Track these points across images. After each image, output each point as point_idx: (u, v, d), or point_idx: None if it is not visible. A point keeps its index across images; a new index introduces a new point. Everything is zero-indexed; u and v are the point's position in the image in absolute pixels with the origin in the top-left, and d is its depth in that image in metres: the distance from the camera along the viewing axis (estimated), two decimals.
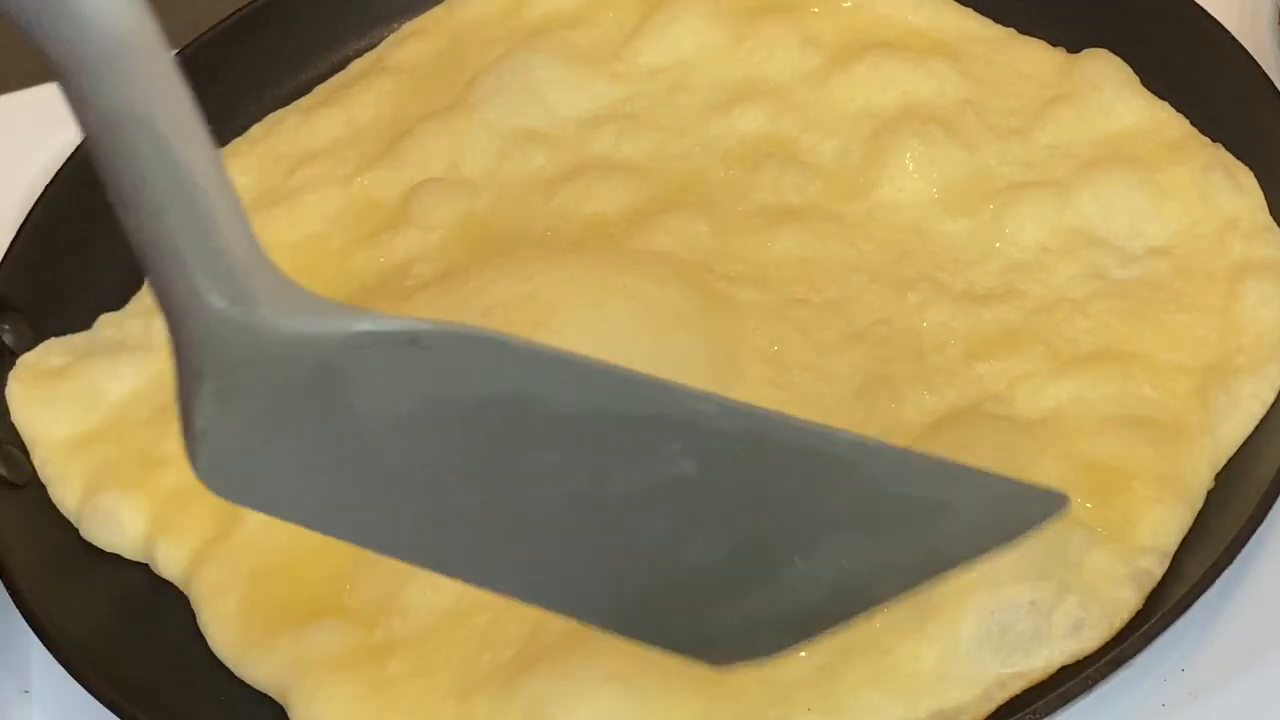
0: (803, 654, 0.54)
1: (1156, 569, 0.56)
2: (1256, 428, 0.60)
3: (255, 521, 0.61)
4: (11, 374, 0.68)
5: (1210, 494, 0.58)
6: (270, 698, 0.59)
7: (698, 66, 0.73)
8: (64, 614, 0.60)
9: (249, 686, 0.59)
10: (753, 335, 0.63)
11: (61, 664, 0.58)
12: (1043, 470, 0.58)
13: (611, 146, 0.71)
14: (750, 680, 0.54)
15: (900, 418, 0.60)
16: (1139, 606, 0.55)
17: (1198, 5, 0.70)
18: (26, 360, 0.68)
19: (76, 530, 0.64)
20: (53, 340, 0.69)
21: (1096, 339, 0.62)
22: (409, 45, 0.78)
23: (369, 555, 0.59)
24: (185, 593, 0.62)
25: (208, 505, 0.62)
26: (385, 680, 0.57)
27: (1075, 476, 0.58)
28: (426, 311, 0.63)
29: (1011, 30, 0.73)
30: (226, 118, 0.75)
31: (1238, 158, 0.66)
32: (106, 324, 0.70)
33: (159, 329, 0.68)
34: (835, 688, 0.54)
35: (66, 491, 0.65)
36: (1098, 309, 0.63)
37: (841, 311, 0.64)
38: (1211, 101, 0.68)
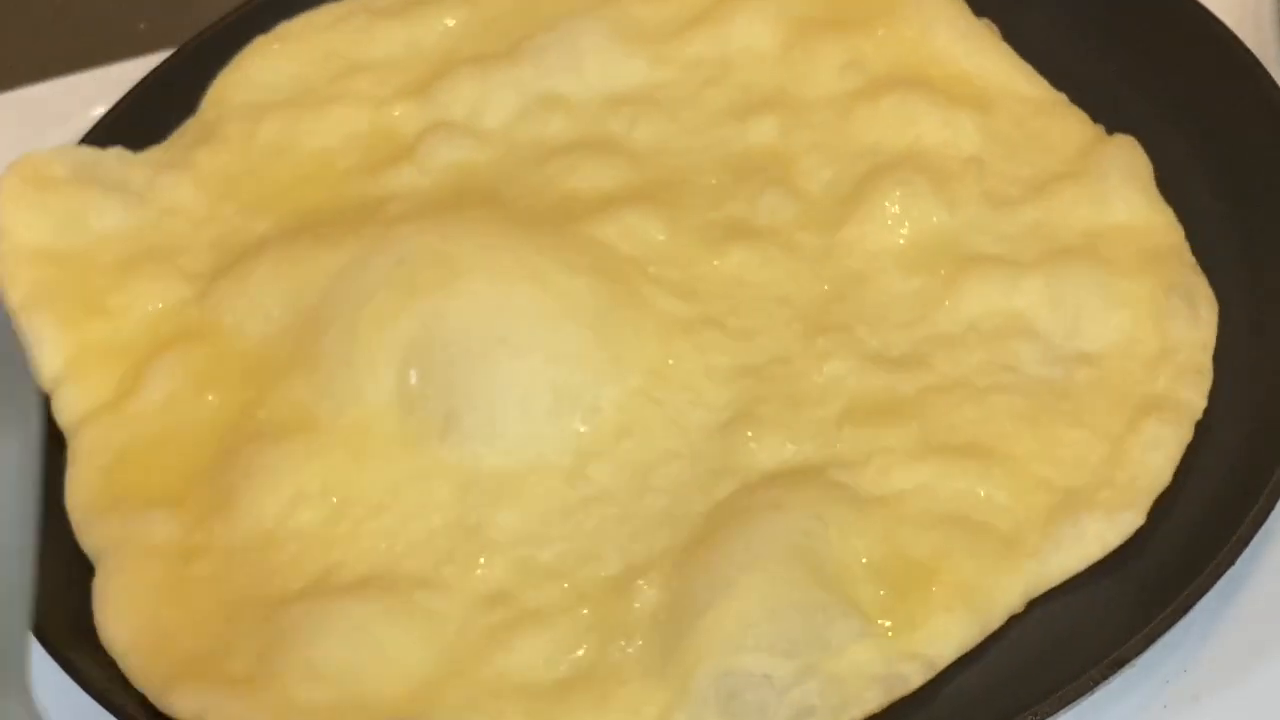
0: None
1: (915, 678, 0.55)
2: (1261, 426, 0.58)
3: (146, 402, 0.64)
4: (12, 164, 0.69)
5: (1215, 490, 0.58)
6: None
7: (737, 67, 0.72)
8: (62, 616, 0.60)
9: None
10: (651, 344, 0.63)
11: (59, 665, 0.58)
12: (849, 548, 0.57)
13: (624, 128, 0.71)
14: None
15: (747, 460, 0.60)
16: (878, 710, 0.55)
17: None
18: (32, 157, 0.70)
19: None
20: (65, 147, 0.70)
21: (977, 431, 0.60)
22: None
23: (225, 458, 0.63)
24: (68, 442, 0.64)
25: (116, 369, 0.65)
26: (181, 579, 0.60)
27: (882, 562, 0.57)
28: (354, 248, 0.65)
29: (1062, 96, 0.70)
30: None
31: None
32: (117, 156, 0.72)
33: (161, 185, 0.71)
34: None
35: (7, 292, 0.66)
36: (994, 402, 0.61)
37: (748, 341, 0.64)
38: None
